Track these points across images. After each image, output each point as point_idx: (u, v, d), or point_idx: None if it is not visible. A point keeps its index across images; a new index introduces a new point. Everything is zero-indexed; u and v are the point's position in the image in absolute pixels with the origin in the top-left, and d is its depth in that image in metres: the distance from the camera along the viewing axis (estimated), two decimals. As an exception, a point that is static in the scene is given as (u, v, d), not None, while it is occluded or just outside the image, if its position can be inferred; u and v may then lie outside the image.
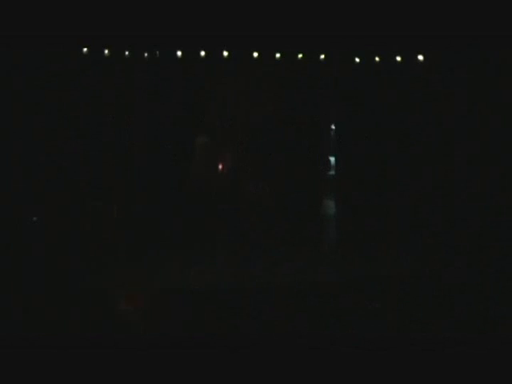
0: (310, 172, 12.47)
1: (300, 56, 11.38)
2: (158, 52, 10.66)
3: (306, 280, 8.03)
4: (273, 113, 12.31)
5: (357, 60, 11.47)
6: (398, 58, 11.32)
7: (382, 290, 7.90)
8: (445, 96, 11.54)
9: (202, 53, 10.75)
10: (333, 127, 13.01)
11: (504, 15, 8.36)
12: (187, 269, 8.62)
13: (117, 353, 5.77)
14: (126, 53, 10.58)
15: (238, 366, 5.68)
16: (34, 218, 9.67)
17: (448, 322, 6.73)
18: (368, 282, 8.08)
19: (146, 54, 10.74)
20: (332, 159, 13.02)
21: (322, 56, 11.49)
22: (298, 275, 8.31)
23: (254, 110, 12.17)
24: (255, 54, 11.14)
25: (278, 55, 11.38)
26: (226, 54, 10.97)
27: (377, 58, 11.35)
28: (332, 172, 12.97)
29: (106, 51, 10.36)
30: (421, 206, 11.37)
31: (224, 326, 6.82)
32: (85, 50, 10.06)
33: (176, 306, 7.30)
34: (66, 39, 8.62)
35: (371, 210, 11.64)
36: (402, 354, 5.73)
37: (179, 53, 10.72)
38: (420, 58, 11.20)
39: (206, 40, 9.41)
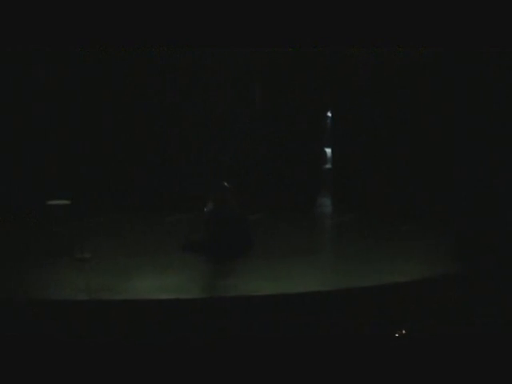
0: (304, 166, 11.90)
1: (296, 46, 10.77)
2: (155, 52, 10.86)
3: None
4: (263, 100, 11.91)
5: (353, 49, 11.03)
6: (396, 50, 10.87)
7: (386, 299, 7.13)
8: (443, 88, 11.30)
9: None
10: (329, 114, 12.45)
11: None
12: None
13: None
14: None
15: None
16: None
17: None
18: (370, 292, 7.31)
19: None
20: (328, 151, 12.75)
21: (318, 45, 10.70)
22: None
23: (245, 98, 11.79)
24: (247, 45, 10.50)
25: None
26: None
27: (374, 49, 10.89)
28: (328, 165, 12.74)
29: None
30: (424, 204, 10.94)
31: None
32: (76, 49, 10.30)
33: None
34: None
35: (371, 207, 11.18)
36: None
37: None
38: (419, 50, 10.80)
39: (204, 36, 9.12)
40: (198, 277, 8.03)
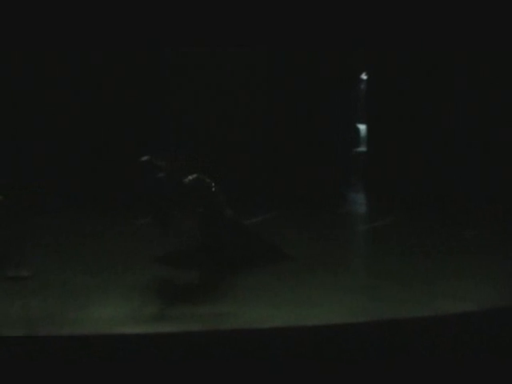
0: (328, 150, 11.29)
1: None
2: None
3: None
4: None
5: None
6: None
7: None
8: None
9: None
10: (364, 77, 11.86)
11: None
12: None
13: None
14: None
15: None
16: None
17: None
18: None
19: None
20: (362, 129, 12.14)
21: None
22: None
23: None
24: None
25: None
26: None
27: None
28: (362, 148, 11.97)
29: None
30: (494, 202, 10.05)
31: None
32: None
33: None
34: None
35: (420, 205, 10.20)
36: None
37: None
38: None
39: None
40: (180, 301, 7.08)
